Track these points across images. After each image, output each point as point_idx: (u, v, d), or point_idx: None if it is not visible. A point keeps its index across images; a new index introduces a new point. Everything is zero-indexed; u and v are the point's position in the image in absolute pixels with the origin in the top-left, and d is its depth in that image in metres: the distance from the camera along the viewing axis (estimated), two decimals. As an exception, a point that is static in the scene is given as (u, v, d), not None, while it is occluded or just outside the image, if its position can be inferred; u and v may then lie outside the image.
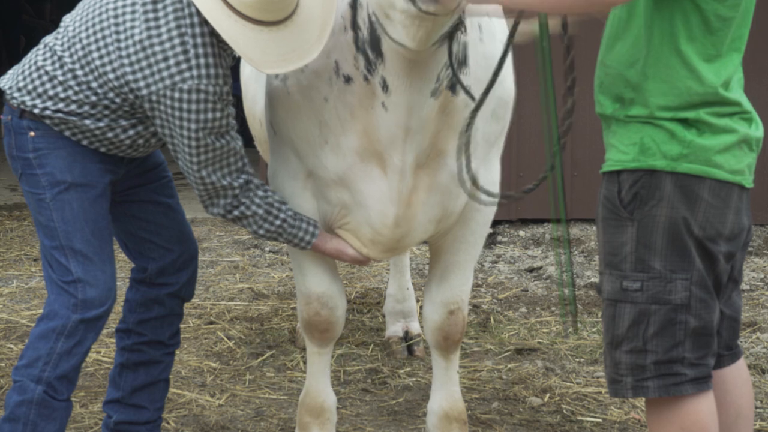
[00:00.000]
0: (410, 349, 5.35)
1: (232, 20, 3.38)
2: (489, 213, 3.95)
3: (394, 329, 5.43)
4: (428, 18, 3.22)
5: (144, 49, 3.46)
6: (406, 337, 5.40)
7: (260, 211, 3.70)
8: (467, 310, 4.05)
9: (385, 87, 3.51)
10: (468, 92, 3.56)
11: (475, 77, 3.60)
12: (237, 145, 3.60)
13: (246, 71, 4.74)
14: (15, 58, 13.12)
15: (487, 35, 3.72)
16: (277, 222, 3.72)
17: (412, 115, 3.55)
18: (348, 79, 3.59)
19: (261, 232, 3.74)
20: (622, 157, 3.04)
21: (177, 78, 3.44)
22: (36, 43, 3.80)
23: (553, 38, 3.47)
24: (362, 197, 3.74)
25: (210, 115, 3.48)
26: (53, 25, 13.46)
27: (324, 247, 3.83)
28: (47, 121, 3.60)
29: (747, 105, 3.05)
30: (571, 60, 3.38)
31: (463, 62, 3.57)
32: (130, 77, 3.49)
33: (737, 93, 3.02)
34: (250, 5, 3.37)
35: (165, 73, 3.44)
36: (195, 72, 3.44)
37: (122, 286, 4.05)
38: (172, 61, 3.44)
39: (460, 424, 4.12)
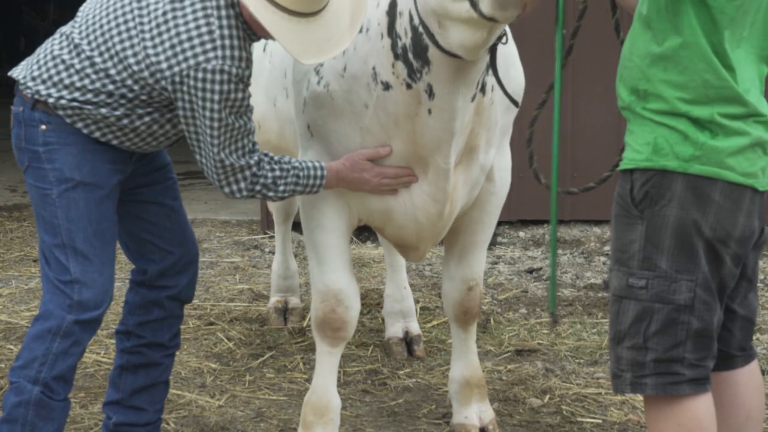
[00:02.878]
0: (410, 350, 5.35)
1: (270, 12, 3.41)
2: (502, 196, 4.18)
3: (394, 330, 5.42)
4: (487, 25, 3.32)
5: (168, 28, 3.45)
6: (406, 337, 5.40)
7: (276, 173, 3.70)
8: (483, 285, 4.32)
9: (431, 94, 3.60)
10: (511, 98, 3.74)
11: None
12: (252, 125, 3.63)
13: None
14: (15, 58, 13.13)
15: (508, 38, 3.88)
16: (291, 173, 3.72)
17: (456, 120, 3.66)
18: (387, 87, 3.68)
19: (281, 188, 3.72)
20: (635, 156, 3.06)
21: (201, 58, 3.43)
22: (36, 43, 3.79)
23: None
24: (405, 200, 3.87)
25: (232, 96, 3.48)
26: (55, 26, 13.47)
27: (341, 170, 3.81)
28: (60, 113, 3.58)
29: (764, 110, 3.04)
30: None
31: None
32: (152, 56, 3.47)
33: (755, 98, 3.02)
34: None
35: (189, 53, 3.43)
36: (219, 53, 3.43)
37: (123, 287, 4.05)
38: (196, 41, 3.43)
39: (479, 389, 4.39)
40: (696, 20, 2.96)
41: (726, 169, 3.00)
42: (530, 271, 6.94)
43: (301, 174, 3.74)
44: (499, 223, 7.77)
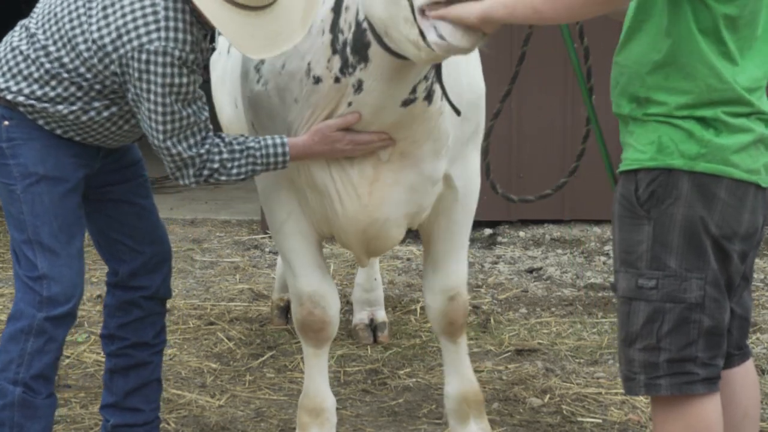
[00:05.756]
0: (375, 336, 5.55)
1: (217, 4, 3.36)
2: (468, 204, 4.05)
3: (360, 317, 5.62)
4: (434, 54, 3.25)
5: (114, 11, 3.43)
6: (371, 324, 5.59)
7: (224, 156, 3.59)
8: (467, 293, 4.15)
9: (358, 88, 3.53)
10: (454, 107, 3.63)
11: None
12: (203, 116, 3.56)
13: (213, 76, 4.76)
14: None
15: None
16: (244, 154, 3.58)
17: (375, 118, 3.59)
18: (317, 80, 3.60)
19: (234, 171, 3.60)
20: (639, 156, 3.05)
21: (144, 39, 3.40)
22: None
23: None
24: (332, 200, 3.78)
25: (177, 80, 3.43)
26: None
27: (310, 145, 3.64)
28: (21, 109, 3.57)
29: (766, 108, 3.05)
30: (589, 68, 3.49)
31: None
32: (98, 39, 3.45)
33: (759, 97, 3.02)
34: None
35: (133, 35, 3.40)
36: (163, 34, 3.40)
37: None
38: (140, 22, 3.40)
39: (477, 405, 4.22)
40: (695, 25, 2.95)
41: (731, 167, 2.99)
42: (530, 270, 6.94)
43: (258, 153, 3.60)
44: (499, 223, 7.80)
